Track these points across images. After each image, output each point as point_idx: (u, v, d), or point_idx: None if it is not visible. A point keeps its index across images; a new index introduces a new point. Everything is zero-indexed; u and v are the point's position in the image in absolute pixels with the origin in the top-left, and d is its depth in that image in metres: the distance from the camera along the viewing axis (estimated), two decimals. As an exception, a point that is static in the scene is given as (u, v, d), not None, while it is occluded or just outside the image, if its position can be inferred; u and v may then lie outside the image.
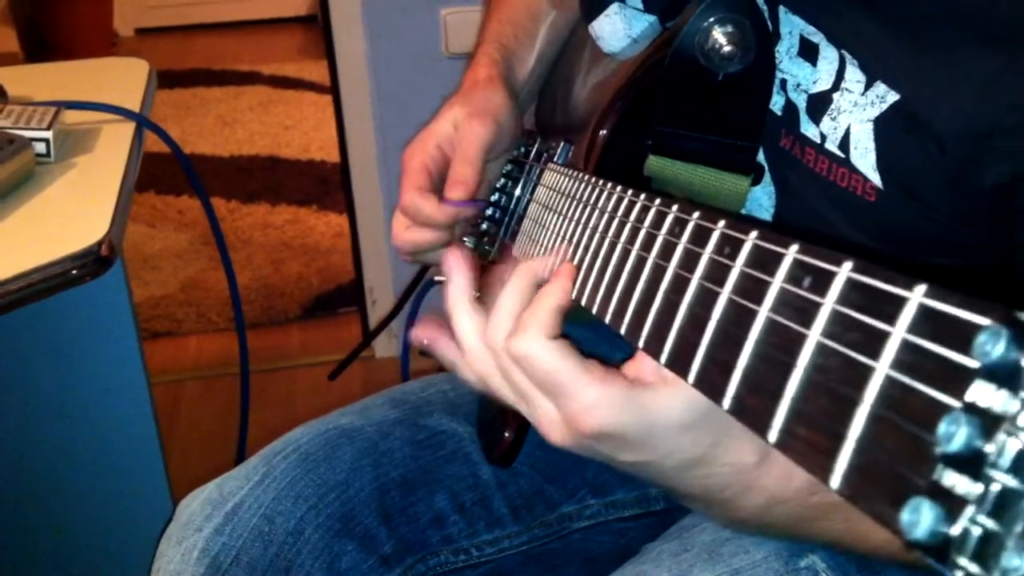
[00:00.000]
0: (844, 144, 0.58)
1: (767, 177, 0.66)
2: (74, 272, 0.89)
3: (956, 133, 0.51)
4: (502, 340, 0.51)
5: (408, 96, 2.00)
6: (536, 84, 0.89)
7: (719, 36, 0.60)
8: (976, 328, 0.24)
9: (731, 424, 0.44)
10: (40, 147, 1.03)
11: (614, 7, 0.70)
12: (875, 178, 0.56)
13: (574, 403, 0.47)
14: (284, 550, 0.75)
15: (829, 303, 0.30)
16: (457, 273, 0.57)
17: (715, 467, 0.50)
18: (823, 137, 0.60)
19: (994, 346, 0.24)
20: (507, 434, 0.73)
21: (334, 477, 0.79)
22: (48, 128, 1.04)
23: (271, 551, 0.75)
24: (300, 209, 2.89)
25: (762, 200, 0.67)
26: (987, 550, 0.23)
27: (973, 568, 0.23)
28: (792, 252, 0.32)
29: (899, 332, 0.26)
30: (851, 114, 0.57)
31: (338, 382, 1.76)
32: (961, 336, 0.24)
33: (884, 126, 0.55)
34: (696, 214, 0.39)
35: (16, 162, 0.98)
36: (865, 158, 0.57)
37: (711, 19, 0.60)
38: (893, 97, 0.55)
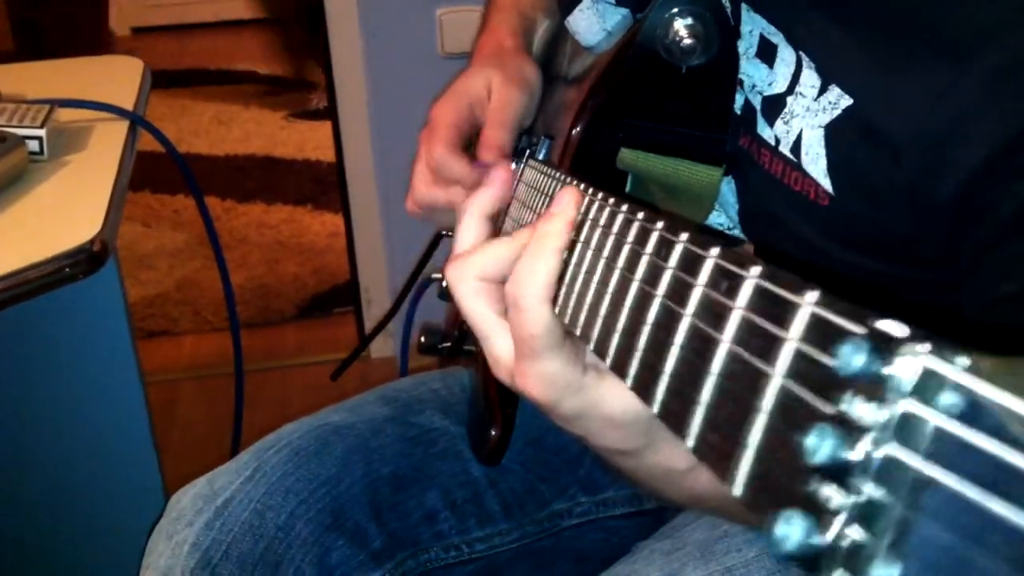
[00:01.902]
0: (796, 148, 0.58)
1: (729, 175, 0.66)
2: (67, 270, 0.88)
3: (909, 143, 0.51)
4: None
5: (404, 96, 2.00)
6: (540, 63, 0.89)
7: (679, 29, 0.60)
8: (844, 336, 0.24)
9: (665, 430, 0.45)
10: (33, 145, 1.03)
11: (587, 2, 0.71)
12: (826, 184, 0.56)
13: (531, 366, 0.47)
14: (274, 544, 0.75)
15: (739, 308, 0.30)
16: (494, 186, 0.56)
17: (643, 462, 0.51)
18: (777, 140, 0.60)
19: (857, 356, 0.24)
20: (493, 432, 0.73)
21: (325, 472, 0.79)
22: (41, 126, 1.04)
23: (261, 545, 0.75)
24: (296, 209, 2.89)
25: (728, 197, 0.67)
26: (857, 560, 0.23)
27: None
28: (713, 255, 0.32)
29: (792, 339, 0.26)
30: (803, 119, 0.57)
31: (333, 381, 1.76)
32: (834, 345, 0.24)
33: (836, 133, 0.55)
34: (641, 214, 0.39)
35: (9, 160, 0.98)
36: (816, 164, 0.57)
37: (671, 12, 0.60)
38: (847, 102, 0.55)
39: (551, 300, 0.46)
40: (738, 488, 0.28)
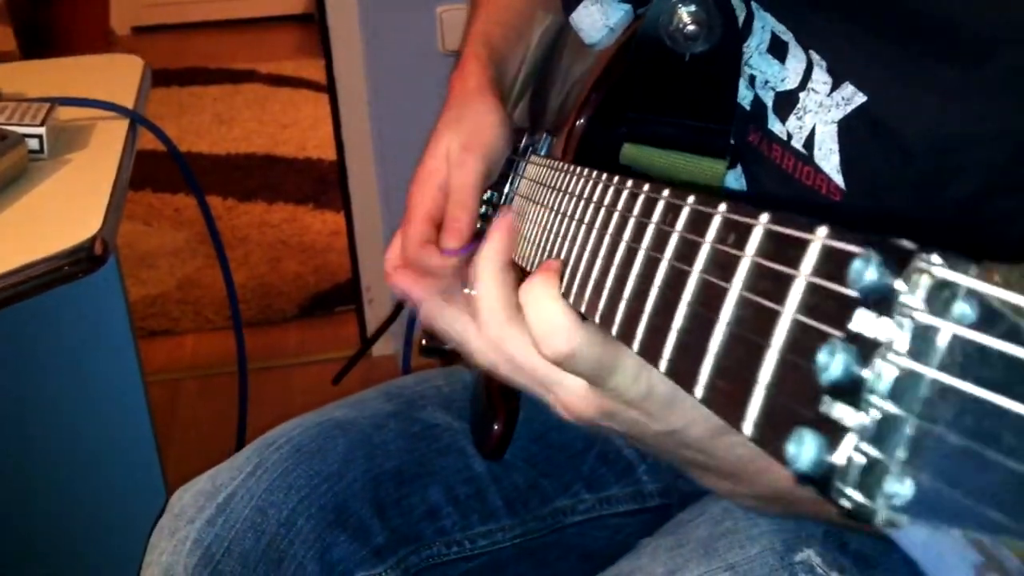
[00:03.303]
0: (809, 144, 0.58)
1: (739, 169, 0.66)
2: (67, 269, 0.88)
3: (921, 142, 0.51)
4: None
5: (404, 94, 2.00)
6: (522, 87, 0.89)
7: (683, 15, 0.60)
8: (851, 256, 0.24)
9: None
10: (33, 143, 1.03)
11: None
12: (839, 179, 0.56)
13: (613, 378, 0.45)
14: (276, 541, 0.75)
15: (748, 256, 0.30)
16: (498, 234, 0.52)
17: (729, 452, 0.49)
18: (789, 135, 0.59)
19: (866, 272, 0.24)
20: (496, 427, 0.73)
21: (327, 468, 0.79)
22: (41, 124, 1.03)
23: (263, 542, 0.75)
24: (297, 207, 2.89)
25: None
26: (870, 477, 0.23)
27: (857, 496, 0.23)
28: (720, 211, 0.33)
29: (803, 275, 0.27)
30: (816, 114, 0.57)
31: (335, 385, 1.76)
32: (844, 269, 0.25)
33: (849, 129, 0.55)
34: (646, 187, 0.40)
35: (9, 158, 0.98)
36: (829, 159, 0.56)
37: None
38: (860, 99, 0.54)
39: (580, 326, 0.44)
40: (748, 426, 0.27)
